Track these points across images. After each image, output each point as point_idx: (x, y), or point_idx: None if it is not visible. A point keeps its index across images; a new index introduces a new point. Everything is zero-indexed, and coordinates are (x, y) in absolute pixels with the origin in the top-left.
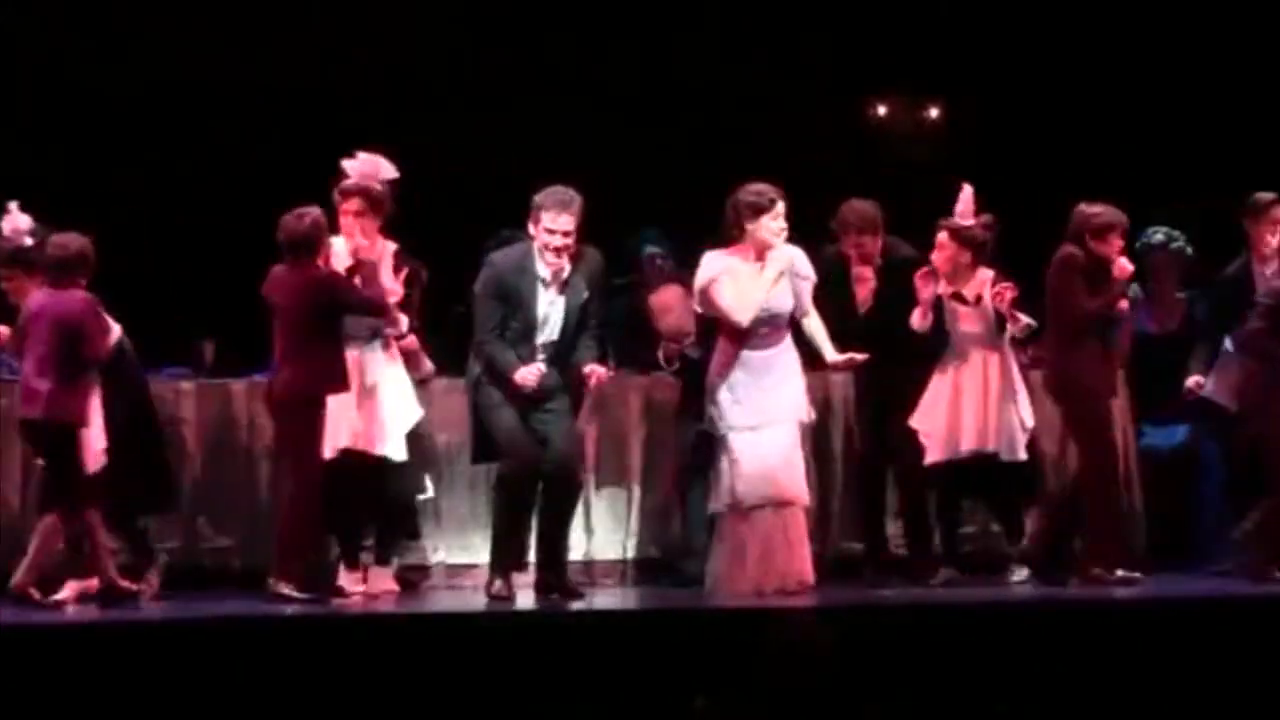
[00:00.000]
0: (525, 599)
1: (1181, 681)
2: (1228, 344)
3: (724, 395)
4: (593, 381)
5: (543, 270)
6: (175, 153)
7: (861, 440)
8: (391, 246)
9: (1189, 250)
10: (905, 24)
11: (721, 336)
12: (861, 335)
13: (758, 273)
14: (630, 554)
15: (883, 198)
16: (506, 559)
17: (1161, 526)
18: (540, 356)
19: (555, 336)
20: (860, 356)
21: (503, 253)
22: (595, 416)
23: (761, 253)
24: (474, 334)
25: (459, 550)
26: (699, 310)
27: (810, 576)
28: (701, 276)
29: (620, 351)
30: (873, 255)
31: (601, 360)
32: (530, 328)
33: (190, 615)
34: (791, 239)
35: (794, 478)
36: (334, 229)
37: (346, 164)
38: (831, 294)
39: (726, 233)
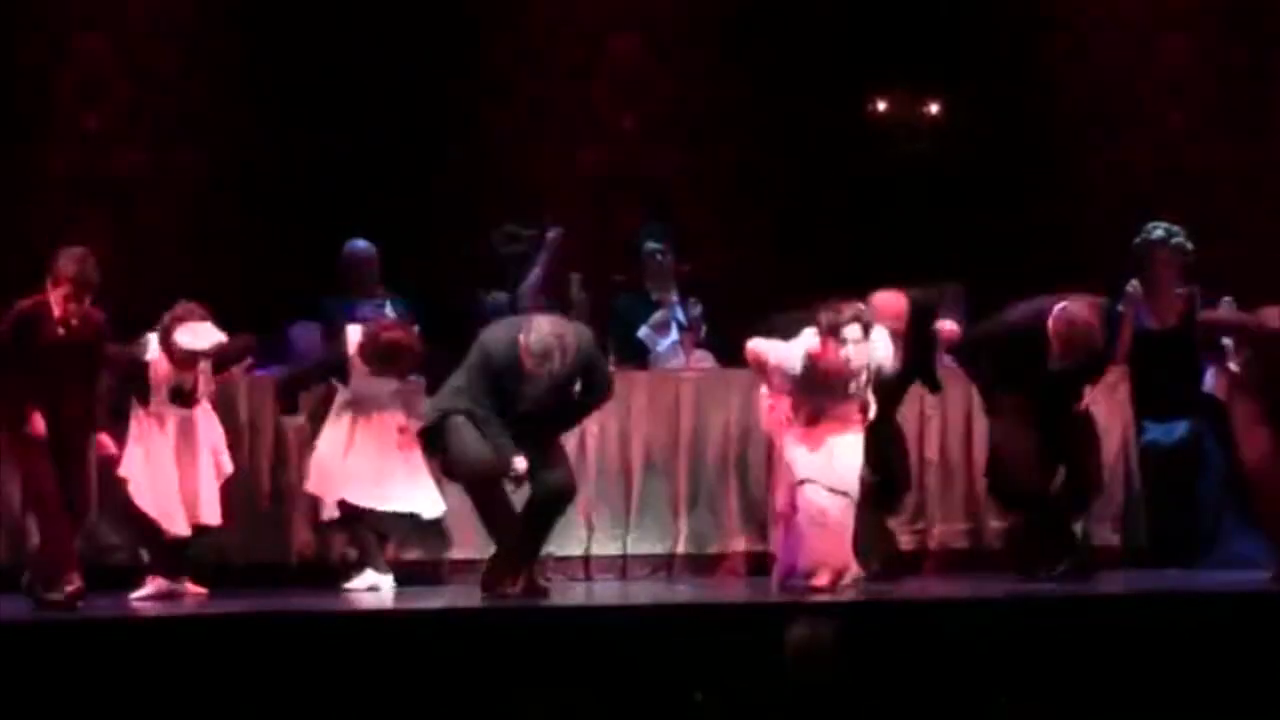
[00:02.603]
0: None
1: (1182, 675)
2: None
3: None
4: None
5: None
6: None
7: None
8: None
9: (1189, 246)
10: (906, 20)
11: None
12: None
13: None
14: (629, 550)
15: (883, 194)
16: (512, 559)
17: (1162, 521)
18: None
19: (534, 409)
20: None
21: (492, 334)
22: (596, 414)
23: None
24: (465, 399)
25: (464, 546)
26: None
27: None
28: (772, 360)
29: (622, 347)
30: None
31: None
32: (514, 410)
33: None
34: (793, 236)
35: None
36: None
37: (181, 334)
38: None
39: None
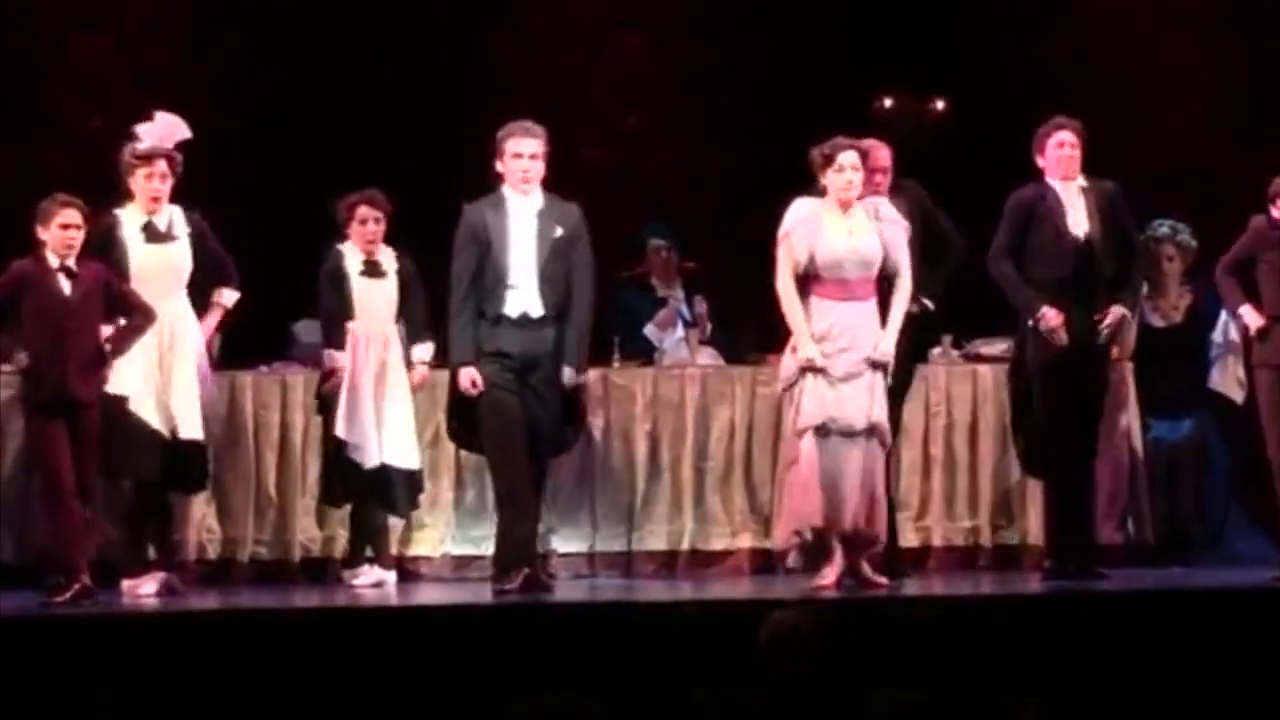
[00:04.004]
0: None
1: (1186, 674)
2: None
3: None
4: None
5: (515, 203)
6: None
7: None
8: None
9: (1194, 243)
10: (911, 16)
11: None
12: None
13: (841, 218)
14: (634, 546)
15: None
16: (514, 553)
17: (1168, 518)
18: (522, 303)
19: (534, 277)
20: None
21: (475, 201)
22: (600, 409)
23: (845, 204)
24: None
25: (465, 541)
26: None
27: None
28: (784, 222)
29: (626, 342)
30: None
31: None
32: (504, 265)
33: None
34: None
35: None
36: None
37: (140, 128)
38: None
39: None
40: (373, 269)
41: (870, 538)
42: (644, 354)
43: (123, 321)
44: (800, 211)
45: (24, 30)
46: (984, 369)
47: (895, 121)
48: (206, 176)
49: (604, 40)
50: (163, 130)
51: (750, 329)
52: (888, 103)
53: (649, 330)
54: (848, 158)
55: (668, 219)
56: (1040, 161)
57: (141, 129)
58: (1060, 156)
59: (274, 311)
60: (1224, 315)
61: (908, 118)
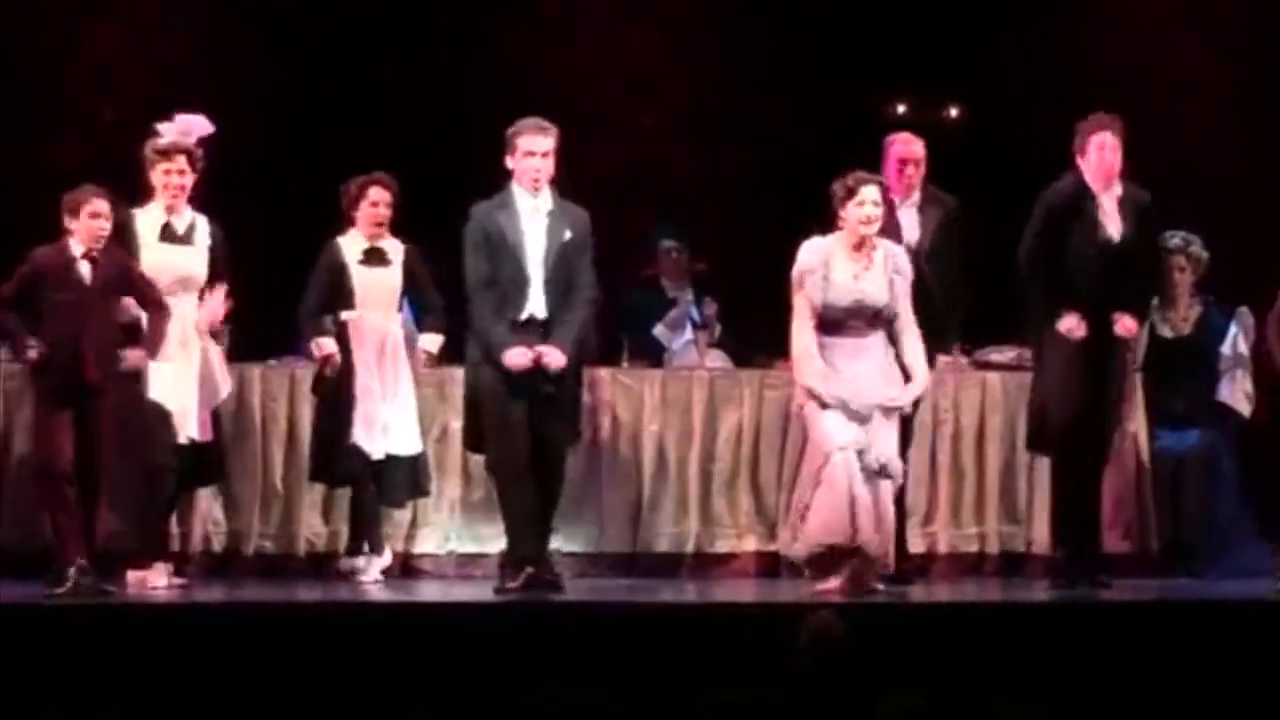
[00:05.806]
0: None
1: (1192, 684)
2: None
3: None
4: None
5: (524, 202)
6: None
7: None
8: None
9: (1204, 255)
10: (920, 17)
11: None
12: None
13: (852, 260)
14: (639, 548)
15: None
16: (517, 552)
17: (1175, 529)
18: (530, 306)
19: (541, 279)
20: None
21: (482, 202)
22: (608, 409)
23: (860, 241)
24: (464, 291)
25: (470, 540)
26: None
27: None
28: (797, 264)
29: (635, 342)
30: None
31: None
32: (521, 265)
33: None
34: (810, 237)
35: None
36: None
37: (162, 125)
38: None
39: (831, 218)
40: (375, 256)
41: (880, 559)
42: (653, 355)
43: (137, 310)
44: (811, 256)
45: (35, 21)
46: (993, 376)
47: (908, 128)
48: (217, 168)
49: (618, 38)
50: (184, 126)
51: (760, 332)
52: (900, 109)
53: (658, 331)
54: (869, 192)
55: (680, 220)
56: (1080, 160)
57: (163, 125)
58: (1102, 160)
59: (280, 306)
60: (1233, 328)
61: (922, 123)
